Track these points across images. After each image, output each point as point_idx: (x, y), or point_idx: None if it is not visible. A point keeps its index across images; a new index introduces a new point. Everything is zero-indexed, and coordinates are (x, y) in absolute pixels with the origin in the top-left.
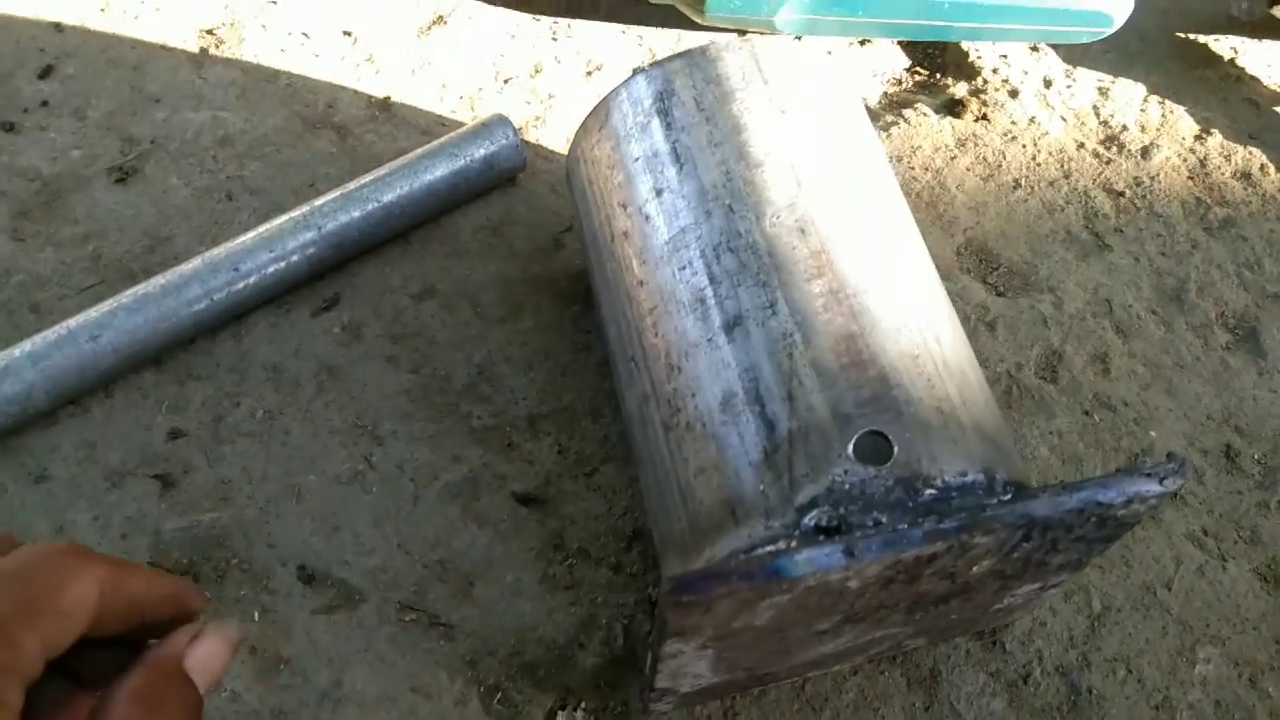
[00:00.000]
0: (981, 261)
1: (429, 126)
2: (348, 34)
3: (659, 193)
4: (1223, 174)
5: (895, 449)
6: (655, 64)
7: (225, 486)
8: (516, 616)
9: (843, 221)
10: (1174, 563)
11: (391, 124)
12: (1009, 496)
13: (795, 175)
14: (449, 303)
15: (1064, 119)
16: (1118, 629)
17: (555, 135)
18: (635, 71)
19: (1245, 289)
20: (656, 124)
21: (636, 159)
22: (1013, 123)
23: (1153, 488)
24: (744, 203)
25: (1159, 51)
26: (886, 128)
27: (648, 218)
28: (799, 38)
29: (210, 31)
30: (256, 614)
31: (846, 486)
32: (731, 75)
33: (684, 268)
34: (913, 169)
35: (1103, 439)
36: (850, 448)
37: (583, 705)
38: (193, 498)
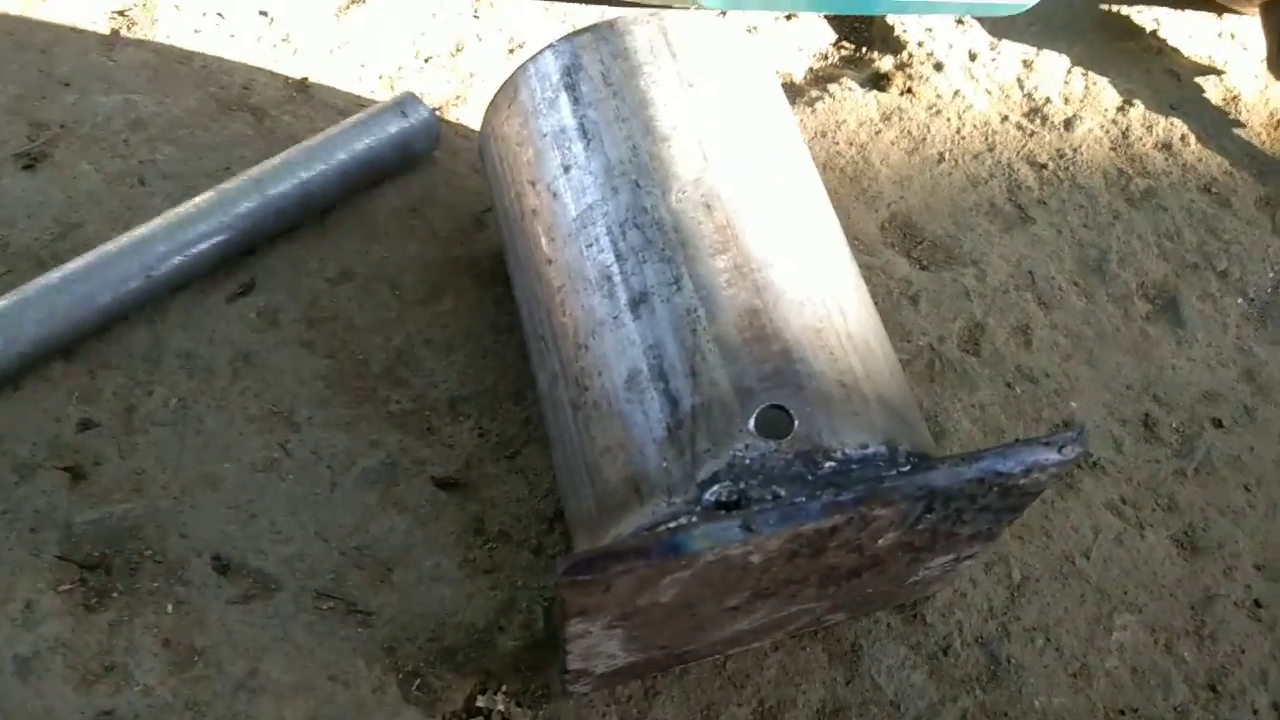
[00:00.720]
0: (905, 235)
1: (347, 107)
2: (264, 14)
3: (566, 169)
4: (1144, 145)
5: (796, 423)
6: (563, 39)
7: (138, 477)
8: (436, 602)
9: (749, 196)
10: (1093, 532)
11: (309, 105)
12: (909, 468)
13: (702, 150)
14: (367, 285)
15: (988, 92)
16: (1037, 599)
17: (476, 114)
18: (544, 47)
19: (1165, 259)
20: (564, 99)
21: (544, 135)
22: (938, 96)
23: (1051, 456)
24: (650, 178)
25: (1082, 24)
26: (812, 103)
27: (556, 195)
28: (723, 13)
29: (122, 13)
30: (170, 606)
31: (747, 461)
32: (639, 49)
33: (591, 245)
34: (837, 144)
35: (1024, 410)
36: (751, 422)
37: (503, 689)
38: (104, 489)
